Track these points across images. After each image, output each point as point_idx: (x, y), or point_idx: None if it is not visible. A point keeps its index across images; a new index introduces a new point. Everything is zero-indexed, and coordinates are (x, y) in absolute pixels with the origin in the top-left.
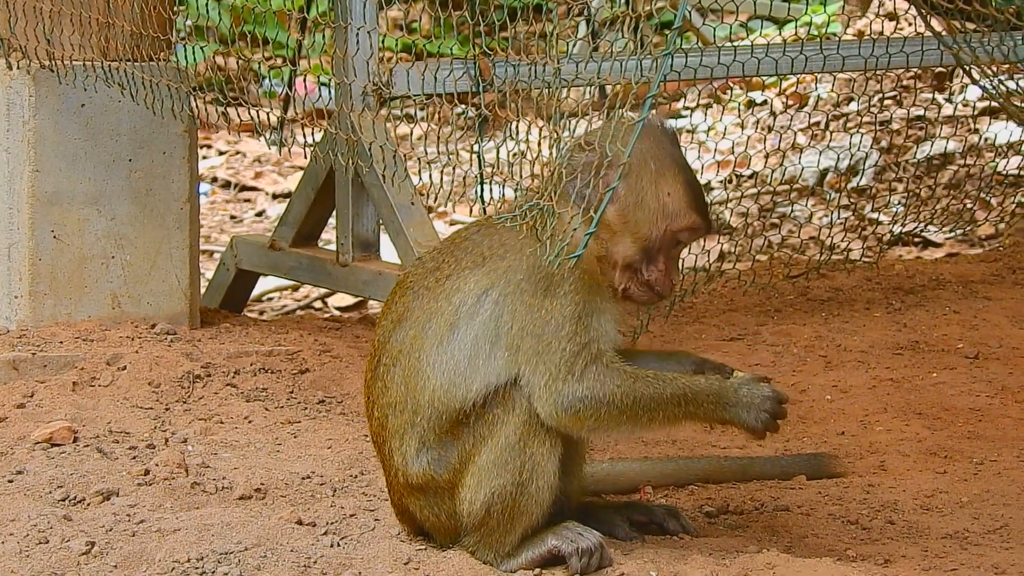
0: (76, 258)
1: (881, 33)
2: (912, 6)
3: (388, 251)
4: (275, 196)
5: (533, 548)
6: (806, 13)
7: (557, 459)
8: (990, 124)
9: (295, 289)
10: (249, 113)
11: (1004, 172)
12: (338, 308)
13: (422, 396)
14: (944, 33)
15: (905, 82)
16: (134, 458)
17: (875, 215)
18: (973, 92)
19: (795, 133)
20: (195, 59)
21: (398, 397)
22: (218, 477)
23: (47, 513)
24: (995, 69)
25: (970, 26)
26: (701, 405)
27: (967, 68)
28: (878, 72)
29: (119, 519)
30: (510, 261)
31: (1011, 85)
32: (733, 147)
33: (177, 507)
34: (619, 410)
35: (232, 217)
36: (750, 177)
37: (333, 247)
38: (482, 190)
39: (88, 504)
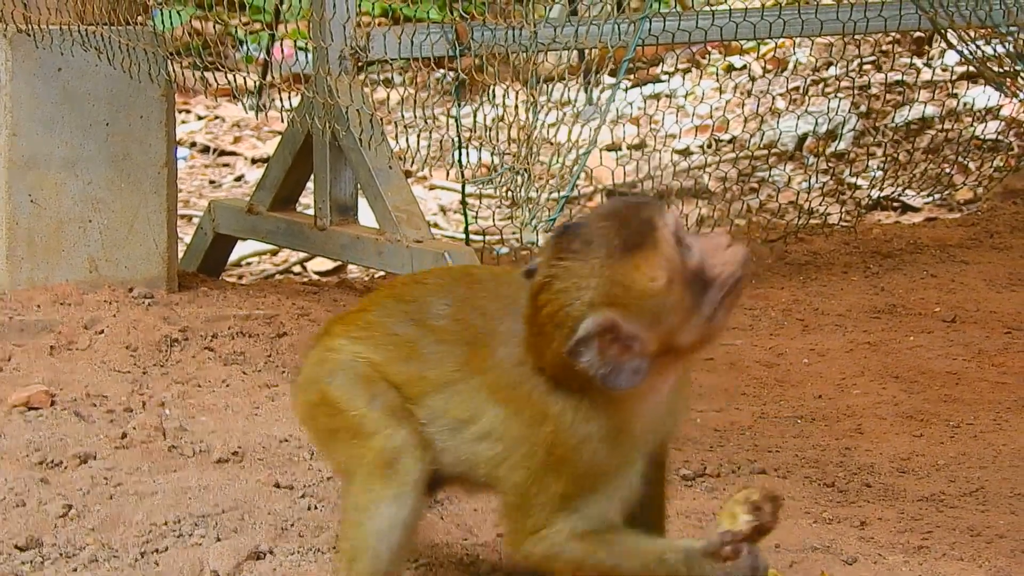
0: (53, 222)
1: None
2: None
3: (366, 215)
4: (254, 161)
5: None
6: None
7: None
8: (968, 89)
9: (274, 254)
10: (227, 78)
11: (982, 137)
12: (317, 272)
13: None
14: None
15: (884, 47)
16: (111, 421)
17: (854, 179)
18: (952, 57)
19: (774, 98)
20: (172, 24)
21: None
22: (195, 440)
23: (24, 476)
24: (972, 34)
25: None
26: None
27: (944, 32)
28: (857, 37)
29: (96, 482)
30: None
31: (987, 50)
32: (712, 112)
33: (154, 470)
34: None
35: (211, 182)
36: (729, 142)
37: (311, 211)
38: (460, 154)
39: (65, 467)
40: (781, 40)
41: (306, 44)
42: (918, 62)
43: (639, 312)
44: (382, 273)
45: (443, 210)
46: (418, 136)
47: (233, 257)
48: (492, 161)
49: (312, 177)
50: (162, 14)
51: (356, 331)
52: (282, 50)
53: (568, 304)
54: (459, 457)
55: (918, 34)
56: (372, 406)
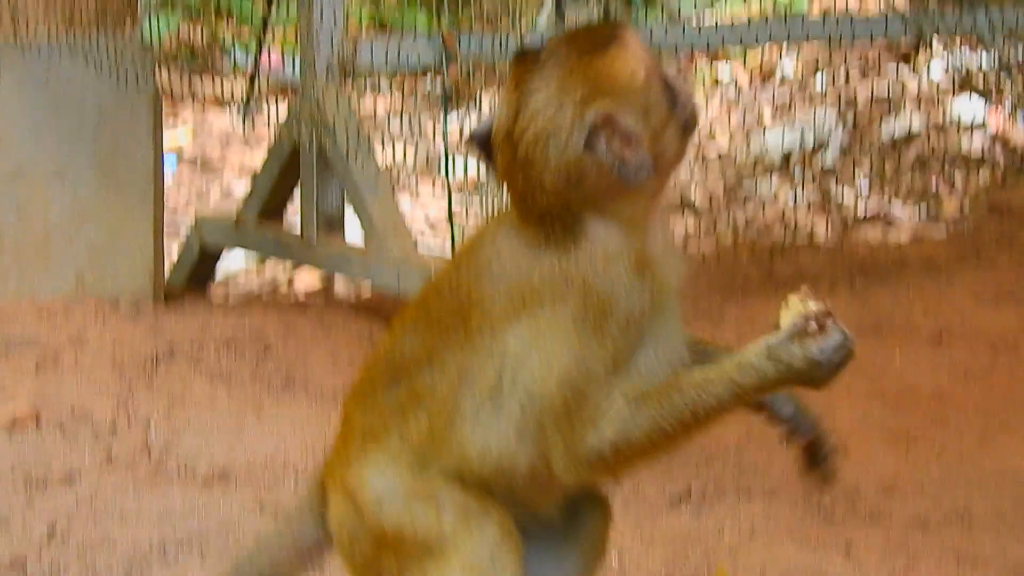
0: (40, 234)
1: (846, 9)
2: None
3: (354, 226)
4: (241, 171)
5: None
6: None
7: None
8: (954, 98)
9: (260, 267)
10: (213, 86)
11: (968, 152)
12: (304, 287)
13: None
14: (907, 7)
15: (871, 58)
16: (96, 439)
17: (840, 193)
18: (938, 70)
19: (760, 109)
20: (160, 32)
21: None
22: (181, 459)
23: (9, 496)
24: (958, 45)
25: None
26: (749, 398)
27: (930, 43)
28: (843, 47)
29: (81, 502)
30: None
31: (973, 62)
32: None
33: (140, 490)
34: (648, 446)
35: (198, 193)
36: (715, 156)
37: (299, 223)
38: (447, 164)
39: (50, 487)
40: (768, 52)
41: (294, 53)
42: (905, 72)
43: (629, 104)
44: (368, 292)
45: (430, 222)
46: (404, 147)
47: (220, 273)
48: (479, 172)
49: (299, 188)
50: (150, 22)
51: (359, 448)
52: (269, 59)
53: (556, 112)
54: (515, 428)
55: (905, 48)
56: (444, 513)
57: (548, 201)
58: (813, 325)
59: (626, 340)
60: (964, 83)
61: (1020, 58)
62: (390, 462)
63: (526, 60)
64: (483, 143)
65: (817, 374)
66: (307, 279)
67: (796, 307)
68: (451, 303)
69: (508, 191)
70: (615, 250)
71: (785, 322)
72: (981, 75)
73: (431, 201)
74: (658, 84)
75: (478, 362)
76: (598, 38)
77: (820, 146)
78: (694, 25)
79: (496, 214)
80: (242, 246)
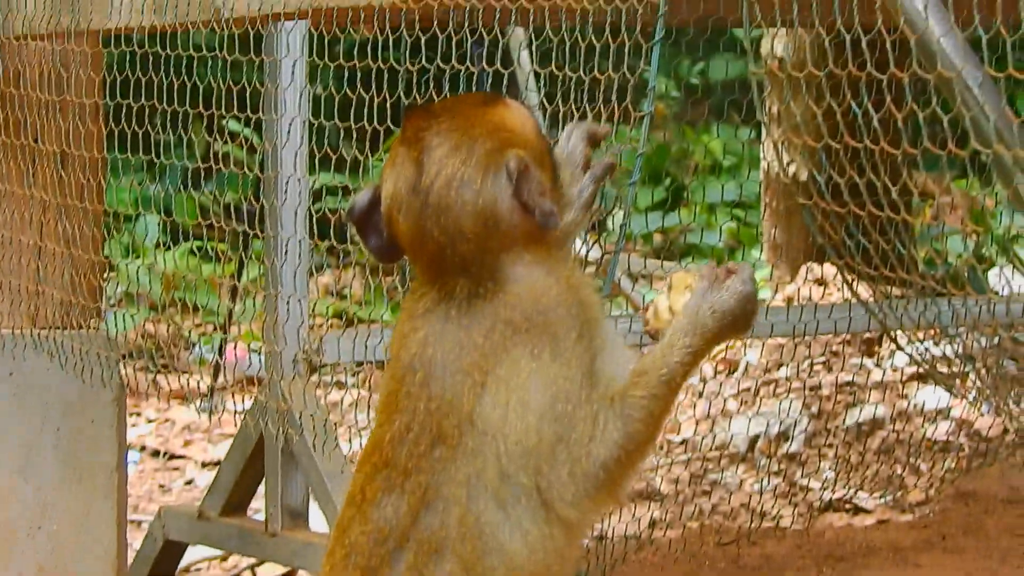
0: (2, 530)
1: (809, 299)
2: (839, 272)
3: (318, 520)
4: (204, 464)
5: None
6: None
7: None
8: (918, 389)
9: (224, 559)
10: (179, 380)
11: (933, 438)
12: None
13: None
14: (870, 299)
15: (835, 347)
16: None
17: (805, 481)
18: (902, 358)
19: (725, 400)
20: (125, 326)
21: None
22: None
23: None
24: (920, 335)
25: (896, 292)
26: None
27: (892, 335)
28: (807, 337)
29: None
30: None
31: (936, 351)
32: None
33: None
34: (647, 433)
35: (161, 486)
36: (680, 443)
37: (262, 516)
38: None
39: None
40: (732, 343)
41: (259, 346)
42: (868, 363)
43: (531, 153)
44: None
45: None
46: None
47: (183, 563)
48: None
49: (264, 481)
50: (115, 317)
51: None
52: (235, 352)
53: (468, 158)
54: (538, 498)
55: (868, 335)
56: None
57: (467, 249)
58: (720, 271)
59: (583, 356)
60: (927, 374)
61: (983, 348)
62: None
63: (419, 113)
64: (362, 218)
65: (749, 308)
66: (271, 568)
67: (684, 280)
68: (415, 433)
69: (416, 252)
70: (542, 280)
71: (682, 299)
72: (945, 365)
73: None
74: (545, 143)
75: (474, 463)
76: (485, 96)
77: (785, 435)
78: None
79: (394, 334)
80: (205, 539)
